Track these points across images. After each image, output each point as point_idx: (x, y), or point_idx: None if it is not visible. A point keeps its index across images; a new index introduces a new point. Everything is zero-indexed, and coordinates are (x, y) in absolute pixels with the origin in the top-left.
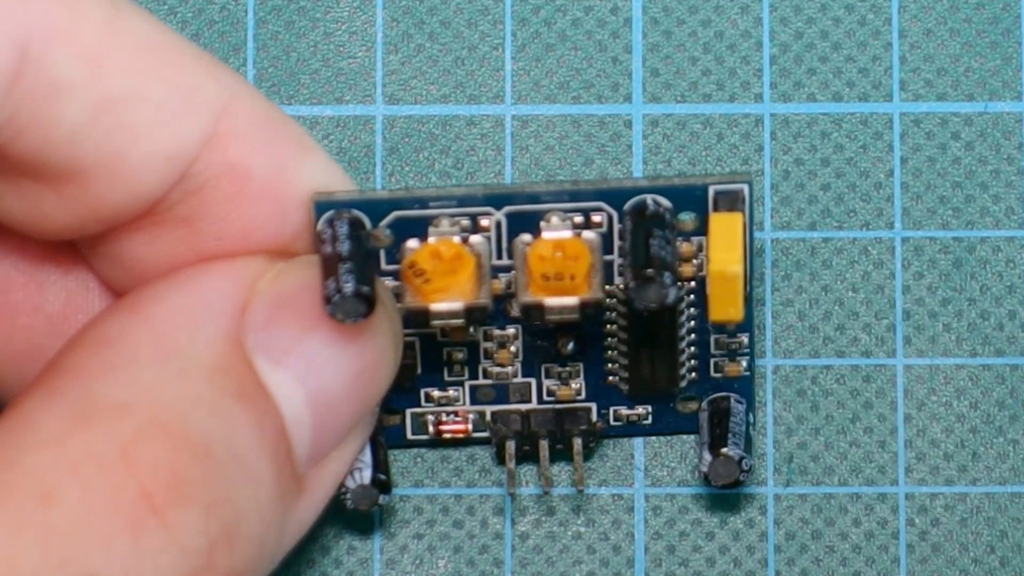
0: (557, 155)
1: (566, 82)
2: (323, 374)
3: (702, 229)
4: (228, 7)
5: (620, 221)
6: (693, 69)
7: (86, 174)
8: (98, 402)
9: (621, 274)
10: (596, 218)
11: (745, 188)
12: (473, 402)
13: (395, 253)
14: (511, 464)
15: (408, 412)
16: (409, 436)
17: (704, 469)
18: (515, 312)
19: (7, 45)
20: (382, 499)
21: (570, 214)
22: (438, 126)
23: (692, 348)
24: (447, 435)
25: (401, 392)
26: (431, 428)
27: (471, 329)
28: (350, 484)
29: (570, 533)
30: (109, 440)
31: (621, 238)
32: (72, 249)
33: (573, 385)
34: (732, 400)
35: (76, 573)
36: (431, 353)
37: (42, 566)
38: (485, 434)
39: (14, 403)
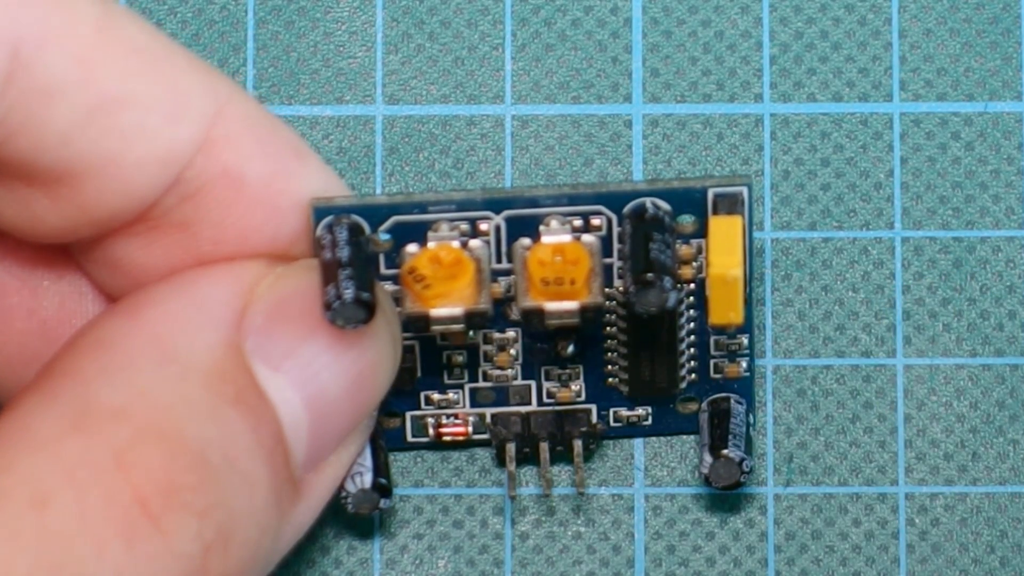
0: (557, 155)
1: (566, 82)
2: (321, 379)
3: (702, 232)
4: (228, 7)
5: (619, 224)
6: (693, 69)
7: (79, 177)
8: (94, 407)
9: (621, 277)
10: (595, 221)
11: (744, 191)
12: (473, 405)
13: (395, 258)
14: (511, 466)
15: (408, 415)
16: (409, 439)
17: (705, 471)
18: (515, 315)
19: None
20: (383, 503)
21: (569, 218)
22: (438, 126)
23: (692, 349)
24: (447, 438)
25: (401, 395)
26: (431, 431)
27: (471, 333)
28: (351, 488)
29: (570, 533)
30: (105, 445)
31: (620, 241)
32: (66, 254)
33: (573, 387)
34: (732, 401)
35: None
36: (431, 356)
37: (35, 571)
38: (485, 436)
39: (10, 406)
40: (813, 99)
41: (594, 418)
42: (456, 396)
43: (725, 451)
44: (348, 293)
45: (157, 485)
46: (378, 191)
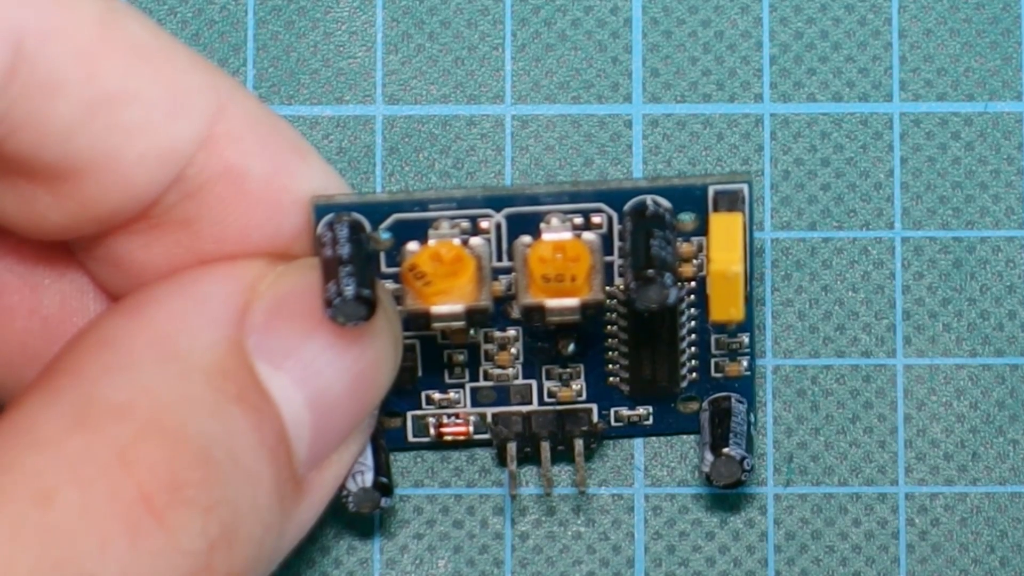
0: (557, 155)
1: (566, 82)
2: (323, 377)
3: (702, 229)
4: (228, 7)
5: (620, 222)
6: (693, 69)
7: (80, 173)
8: (97, 404)
9: (621, 275)
10: (596, 219)
11: (745, 188)
12: (474, 404)
13: (395, 256)
14: (512, 466)
15: (409, 414)
16: (410, 438)
17: (706, 469)
18: (515, 314)
19: (1, 43)
20: (384, 502)
21: (570, 215)
22: (438, 126)
23: (693, 348)
24: (448, 437)
25: (402, 394)
26: (432, 430)
27: (472, 331)
28: (351, 487)
29: (570, 533)
30: (108, 442)
31: (621, 239)
32: (67, 252)
33: (574, 386)
34: (733, 400)
35: (73, 575)
36: (432, 355)
37: (39, 567)
38: (486, 436)
39: (13, 404)
40: (813, 99)
41: (595, 417)
42: (457, 395)
43: (726, 449)
44: (349, 290)
45: (161, 482)
46: (378, 191)
